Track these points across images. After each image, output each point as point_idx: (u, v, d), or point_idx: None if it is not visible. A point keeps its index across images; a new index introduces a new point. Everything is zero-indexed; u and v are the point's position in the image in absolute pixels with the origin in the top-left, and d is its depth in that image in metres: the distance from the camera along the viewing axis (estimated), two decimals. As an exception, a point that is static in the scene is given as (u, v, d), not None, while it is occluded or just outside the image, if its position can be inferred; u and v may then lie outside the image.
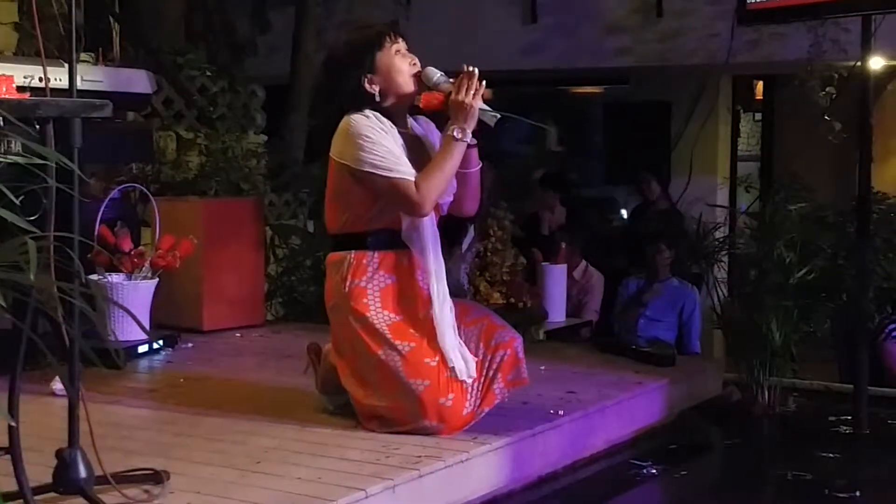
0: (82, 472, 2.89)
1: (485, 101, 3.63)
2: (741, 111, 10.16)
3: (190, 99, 6.89)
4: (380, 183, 3.58)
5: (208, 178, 6.53)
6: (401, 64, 3.70)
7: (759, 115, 10.11)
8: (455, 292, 6.44)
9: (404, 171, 3.57)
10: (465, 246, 7.09)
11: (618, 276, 7.82)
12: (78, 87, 4.45)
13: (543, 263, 7.10)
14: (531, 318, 6.58)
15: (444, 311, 3.66)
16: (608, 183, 10.28)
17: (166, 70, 6.88)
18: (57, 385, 4.05)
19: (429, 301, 3.68)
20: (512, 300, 6.58)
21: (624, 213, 10.06)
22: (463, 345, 3.69)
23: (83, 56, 5.74)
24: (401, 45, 3.74)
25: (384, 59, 3.70)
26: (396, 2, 8.56)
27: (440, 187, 3.60)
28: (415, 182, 3.56)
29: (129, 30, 6.85)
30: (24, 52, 5.97)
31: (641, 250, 7.50)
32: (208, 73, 7.00)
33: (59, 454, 2.90)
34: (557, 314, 6.91)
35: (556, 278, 7.00)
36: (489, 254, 6.70)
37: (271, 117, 7.49)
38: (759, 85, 10.08)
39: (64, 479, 2.88)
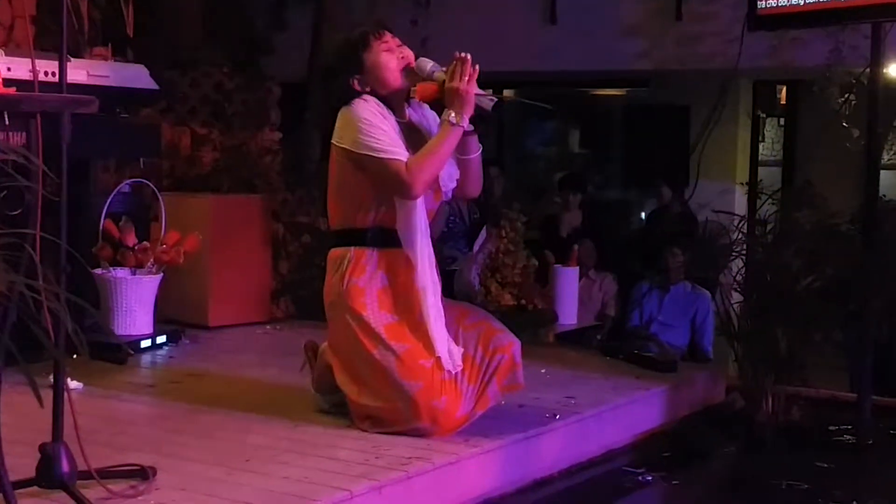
0: (65, 467, 2.88)
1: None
2: (764, 116, 10.09)
3: (205, 95, 6.90)
4: (374, 165, 3.58)
5: (222, 174, 6.54)
6: (388, 60, 3.70)
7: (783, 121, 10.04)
8: (466, 293, 6.49)
9: (397, 152, 3.57)
10: (476, 247, 7.09)
11: (634, 280, 7.78)
12: (84, 83, 4.56)
13: (555, 266, 7.07)
14: (541, 320, 6.55)
15: (434, 303, 3.66)
16: (627, 186, 10.22)
17: (183, 66, 6.90)
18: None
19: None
20: (522, 302, 6.55)
21: (642, 215, 10.00)
22: (450, 339, 3.68)
23: (99, 50, 5.78)
24: (388, 40, 3.73)
25: (370, 57, 3.70)
26: (416, 2, 8.55)
27: (431, 170, 3.59)
28: (406, 164, 3.55)
29: (147, 26, 6.88)
30: (41, 46, 6.00)
31: (656, 254, 7.46)
32: (224, 70, 7.02)
33: (42, 448, 2.90)
34: (568, 317, 6.86)
35: (568, 281, 6.96)
36: (501, 255, 6.66)
37: (291, 115, 7.50)
38: (784, 90, 10.01)
39: (46, 473, 2.88)
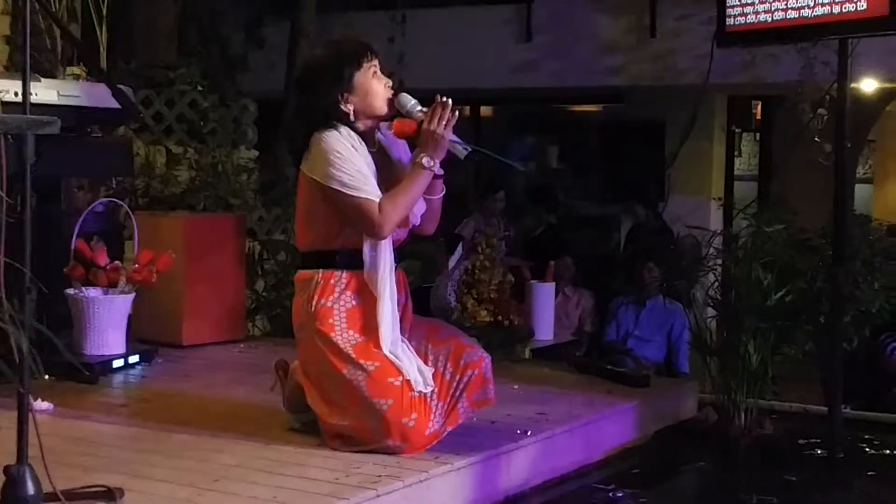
0: (30, 490, 2.86)
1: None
2: (740, 131, 10.16)
3: (180, 113, 6.91)
4: (345, 201, 3.58)
5: (197, 192, 6.55)
6: (377, 86, 3.70)
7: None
8: (441, 309, 6.49)
9: (370, 191, 3.57)
10: (452, 263, 7.10)
11: (611, 296, 7.80)
12: (55, 103, 4.55)
13: (532, 281, 7.08)
14: (517, 336, 6.55)
15: (394, 332, 3.66)
16: (604, 201, 10.26)
17: (158, 84, 6.92)
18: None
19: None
20: (499, 318, 6.55)
21: (621, 231, 10.03)
22: (418, 357, 3.69)
23: (72, 70, 5.78)
24: (376, 64, 3.73)
25: (361, 79, 3.68)
26: (392, 19, 8.60)
27: (403, 212, 3.61)
28: (379, 204, 3.56)
29: (122, 44, 6.89)
30: (16, 66, 6.01)
31: (633, 269, 7.47)
32: (199, 88, 7.03)
33: (6, 471, 2.89)
34: (544, 333, 6.87)
35: (545, 297, 6.97)
36: (477, 271, 6.67)
37: (267, 132, 7.51)
38: (759, 105, 10.08)
39: (11, 496, 2.86)
